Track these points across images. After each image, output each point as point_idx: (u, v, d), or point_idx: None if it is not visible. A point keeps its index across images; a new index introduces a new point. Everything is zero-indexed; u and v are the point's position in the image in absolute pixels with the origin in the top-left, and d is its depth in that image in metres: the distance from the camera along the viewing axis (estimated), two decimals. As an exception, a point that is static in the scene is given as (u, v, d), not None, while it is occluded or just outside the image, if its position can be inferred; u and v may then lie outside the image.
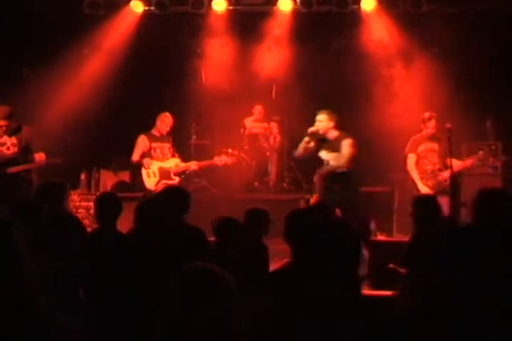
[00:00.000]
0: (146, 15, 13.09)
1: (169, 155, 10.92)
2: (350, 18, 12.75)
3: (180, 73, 13.18)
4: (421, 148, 10.25)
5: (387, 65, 12.68)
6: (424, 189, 10.03)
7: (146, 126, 11.13)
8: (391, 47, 12.68)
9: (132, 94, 13.09)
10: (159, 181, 10.80)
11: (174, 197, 6.92)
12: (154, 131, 10.88)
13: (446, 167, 10.03)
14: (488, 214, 5.84)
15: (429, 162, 10.22)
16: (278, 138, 12.90)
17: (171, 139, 11.01)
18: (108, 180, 12.42)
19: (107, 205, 6.44)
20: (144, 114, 11.27)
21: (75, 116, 12.64)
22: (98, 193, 11.86)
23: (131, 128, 11.43)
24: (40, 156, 9.91)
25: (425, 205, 7.25)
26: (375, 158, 12.04)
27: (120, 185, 11.45)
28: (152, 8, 12.99)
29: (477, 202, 5.97)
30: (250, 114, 13.20)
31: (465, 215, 10.50)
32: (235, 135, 13.00)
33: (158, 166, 10.81)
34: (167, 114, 10.96)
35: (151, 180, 10.84)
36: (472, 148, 11.64)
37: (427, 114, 10.26)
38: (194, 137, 12.29)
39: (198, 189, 12.22)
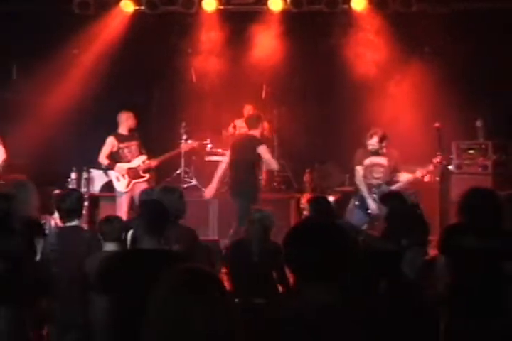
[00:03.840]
0: (137, 15, 13.08)
1: (137, 154, 11.06)
2: (341, 18, 12.74)
3: (171, 73, 13.18)
4: (366, 161, 9.93)
5: (378, 65, 12.68)
6: (372, 205, 9.72)
7: (137, 125, 11.20)
8: (382, 46, 12.66)
9: (122, 93, 13.08)
10: (129, 182, 10.93)
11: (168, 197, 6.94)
12: (121, 130, 11.03)
13: (392, 182, 9.89)
14: (475, 213, 5.87)
15: (372, 177, 9.92)
16: (268, 138, 12.89)
17: (137, 136, 11.13)
18: (98, 179, 12.40)
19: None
20: (134, 114, 11.26)
21: (66, 115, 12.63)
22: (89, 193, 11.90)
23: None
24: None
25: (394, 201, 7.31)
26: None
27: (110, 185, 11.45)
28: (142, 7, 12.98)
29: (464, 200, 6.00)
30: (241, 115, 13.20)
31: (454, 214, 10.54)
32: (226, 134, 13.00)
33: (126, 168, 10.93)
34: (127, 111, 11.18)
35: (121, 183, 11.00)
36: (461, 148, 11.70)
37: (371, 131, 9.85)
38: (184, 137, 12.27)
39: (188, 188, 12.21)
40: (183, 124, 12.32)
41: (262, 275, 7.34)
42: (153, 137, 12.48)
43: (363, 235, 7.70)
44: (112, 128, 11.20)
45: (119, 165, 10.99)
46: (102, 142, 11.05)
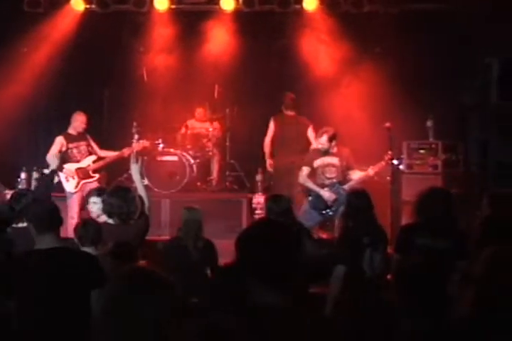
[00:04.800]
0: (88, 14, 12.96)
1: (87, 154, 11.04)
2: (293, 18, 12.77)
3: (122, 72, 13.07)
4: (318, 162, 10.07)
5: (330, 65, 12.74)
6: (326, 193, 9.85)
7: (89, 125, 11.14)
8: (334, 46, 12.71)
9: (73, 92, 12.98)
10: (79, 182, 10.90)
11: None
12: (71, 130, 11.01)
13: (345, 181, 9.98)
14: (431, 214, 5.92)
15: (325, 177, 10.05)
16: (220, 137, 12.89)
17: (87, 137, 11.11)
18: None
19: None
20: (85, 113, 11.20)
21: (16, 115, 12.50)
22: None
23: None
24: None
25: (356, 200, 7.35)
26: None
27: (62, 185, 11.36)
28: (93, 6, 12.87)
29: (420, 201, 6.05)
30: (193, 115, 13.17)
31: (407, 214, 10.64)
32: (178, 134, 12.95)
33: (75, 168, 10.90)
34: (80, 112, 11.15)
35: (70, 183, 10.97)
36: (412, 147, 11.81)
37: (321, 130, 10.09)
38: (136, 137, 12.21)
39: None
40: (135, 124, 12.27)
41: (199, 274, 7.37)
42: (104, 137, 12.39)
43: (309, 236, 7.76)
44: (63, 128, 11.15)
45: (67, 165, 10.93)
46: (53, 141, 10.99)
